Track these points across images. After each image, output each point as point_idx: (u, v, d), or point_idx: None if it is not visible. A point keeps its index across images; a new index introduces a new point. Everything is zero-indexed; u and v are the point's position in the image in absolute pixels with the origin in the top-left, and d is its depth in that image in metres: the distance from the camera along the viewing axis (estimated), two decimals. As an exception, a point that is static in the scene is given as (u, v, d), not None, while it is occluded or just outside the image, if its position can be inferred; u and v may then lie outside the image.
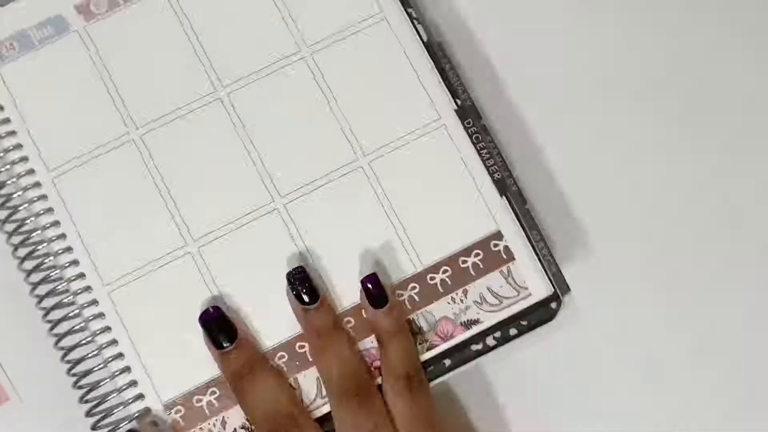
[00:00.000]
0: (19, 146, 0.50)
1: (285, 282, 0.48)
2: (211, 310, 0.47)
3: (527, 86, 0.54)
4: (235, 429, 0.47)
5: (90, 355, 0.48)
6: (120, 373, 0.48)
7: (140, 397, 0.48)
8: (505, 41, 0.55)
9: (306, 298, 0.48)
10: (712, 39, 0.55)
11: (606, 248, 0.53)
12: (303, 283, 0.48)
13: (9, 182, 0.49)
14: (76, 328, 0.48)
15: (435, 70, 0.51)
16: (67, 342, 0.48)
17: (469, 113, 0.51)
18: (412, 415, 0.46)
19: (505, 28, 0.55)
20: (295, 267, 0.48)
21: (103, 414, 0.47)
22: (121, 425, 0.47)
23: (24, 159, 0.49)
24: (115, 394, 0.47)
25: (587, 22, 0.55)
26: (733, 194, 0.54)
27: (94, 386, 0.48)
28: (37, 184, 0.49)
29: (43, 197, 0.49)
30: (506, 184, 0.50)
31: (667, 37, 0.55)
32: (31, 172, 0.49)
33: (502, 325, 0.49)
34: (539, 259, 0.49)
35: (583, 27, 0.55)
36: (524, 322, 0.49)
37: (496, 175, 0.50)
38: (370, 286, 0.48)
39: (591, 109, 0.55)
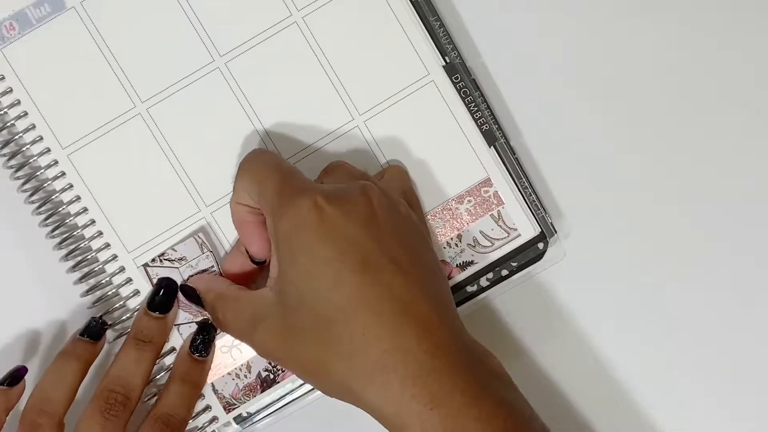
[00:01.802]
0: (32, 126, 0.52)
1: None
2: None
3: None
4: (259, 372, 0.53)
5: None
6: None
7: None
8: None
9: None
10: (695, 35, 0.57)
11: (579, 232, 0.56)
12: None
13: (27, 164, 0.52)
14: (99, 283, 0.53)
15: (423, 27, 0.53)
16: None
17: (457, 69, 0.53)
18: None
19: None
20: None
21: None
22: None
23: (39, 138, 0.52)
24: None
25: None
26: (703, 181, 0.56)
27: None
28: (55, 162, 0.52)
29: (62, 174, 0.52)
30: (494, 136, 0.53)
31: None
32: (47, 151, 0.52)
33: (494, 266, 0.53)
34: (527, 203, 0.53)
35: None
36: (514, 263, 0.53)
37: (484, 127, 0.53)
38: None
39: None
